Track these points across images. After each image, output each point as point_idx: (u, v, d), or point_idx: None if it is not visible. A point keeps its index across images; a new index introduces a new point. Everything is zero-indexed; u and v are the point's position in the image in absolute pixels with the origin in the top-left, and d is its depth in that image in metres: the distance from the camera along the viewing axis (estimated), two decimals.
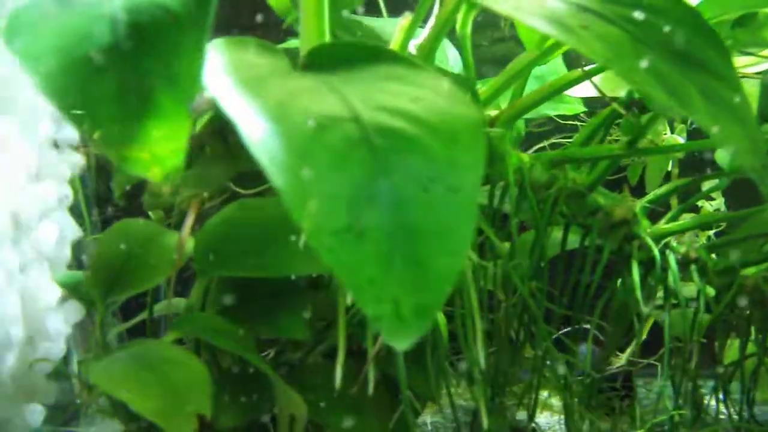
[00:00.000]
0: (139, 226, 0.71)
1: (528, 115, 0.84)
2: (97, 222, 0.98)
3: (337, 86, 0.46)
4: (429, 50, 0.62)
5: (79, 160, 0.89)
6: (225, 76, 0.44)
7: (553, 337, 0.73)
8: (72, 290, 0.74)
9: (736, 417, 0.75)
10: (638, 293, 0.69)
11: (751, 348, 0.79)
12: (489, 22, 1.20)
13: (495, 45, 1.27)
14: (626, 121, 0.82)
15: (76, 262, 0.90)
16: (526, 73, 0.75)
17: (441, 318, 0.70)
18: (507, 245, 0.72)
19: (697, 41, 0.56)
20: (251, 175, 0.78)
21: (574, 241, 0.76)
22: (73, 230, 0.86)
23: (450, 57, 0.91)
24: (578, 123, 1.01)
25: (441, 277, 0.40)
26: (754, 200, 0.87)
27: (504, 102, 0.78)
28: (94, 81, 0.41)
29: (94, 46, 0.42)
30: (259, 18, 0.88)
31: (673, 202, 0.90)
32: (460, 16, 0.65)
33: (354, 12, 0.77)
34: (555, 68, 0.93)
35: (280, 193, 0.39)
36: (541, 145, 0.99)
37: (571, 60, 0.95)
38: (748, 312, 0.76)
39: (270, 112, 0.42)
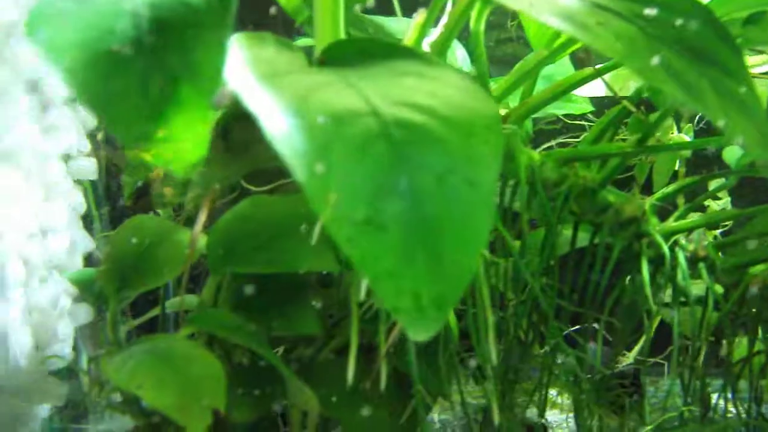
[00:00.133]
0: (152, 222, 0.72)
1: (536, 115, 0.85)
2: (107, 220, 0.98)
3: (354, 81, 0.47)
4: (442, 47, 0.62)
5: (92, 165, 0.90)
6: (245, 71, 0.45)
7: (563, 333, 0.73)
8: (85, 287, 0.74)
9: (744, 415, 0.76)
10: (648, 290, 0.69)
11: (758, 346, 0.79)
12: (495, 23, 1.20)
13: (501, 46, 1.28)
14: (634, 120, 0.82)
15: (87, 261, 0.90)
16: (535, 73, 0.75)
17: (451, 315, 0.70)
18: (517, 243, 0.72)
19: (709, 37, 0.56)
20: (262, 173, 0.78)
21: (583, 239, 0.76)
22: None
23: (458, 57, 0.91)
24: (585, 123, 1.02)
25: (460, 269, 0.41)
26: (760, 200, 0.87)
27: (513, 101, 0.78)
28: (117, 75, 0.42)
29: (117, 41, 0.42)
30: (264, 15, 0.89)
31: (680, 201, 0.91)
32: (474, 13, 0.65)
33: (365, 10, 0.78)
34: (563, 69, 0.93)
35: (301, 185, 0.40)
36: (548, 144, 1.00)
37: (576, 60, 0.96)
38: (755, 310, 0.77)
39: (290, 106, 0.42)
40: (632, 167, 0.97)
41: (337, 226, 0.40)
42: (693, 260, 0.75)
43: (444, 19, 0.63)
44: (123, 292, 0.69)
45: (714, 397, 0.81)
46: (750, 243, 0.76)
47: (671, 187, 0.76)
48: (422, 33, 0.61)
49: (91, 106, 0.42)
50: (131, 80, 0.42)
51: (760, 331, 0.78)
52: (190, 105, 0.41)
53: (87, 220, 0.94)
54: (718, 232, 0.95)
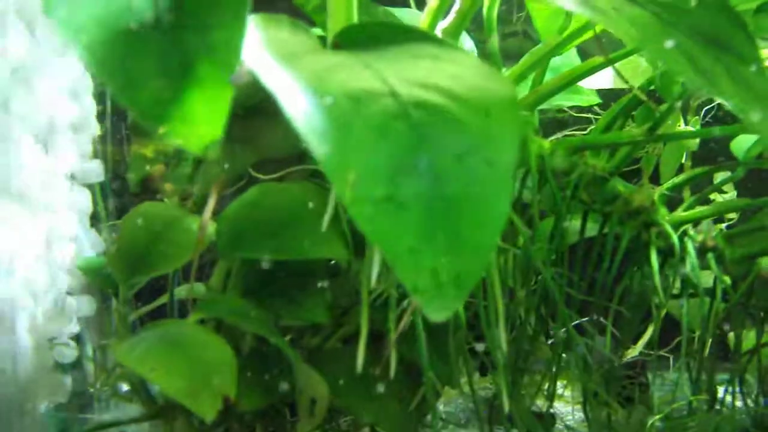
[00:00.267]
0: (162, 209, 0.72)
1: (541, 107, 0.85)
2: (113, 209, 0.98)
3: (371, 63, 0.47)
4: (455, 33, 0.62)
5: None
6: (263, 51, 0.45)
7: (572, 324, 0.73)
8: (94, 273, 0.74)
9: (752, 405, 0.76)
10: (657, 280, 0.70)
11: (766, 338, 0.79)
12: (500, 17, 1.20)
13: (506, 40, 1.28)
14: (642, 111, 0.82)
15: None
16: (545, 63, 0.75)
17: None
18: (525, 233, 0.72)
19: (723, 24, 0.56)
20: (270, 161, 0.78)
21: (592, 228, 0.76)
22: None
23: (466, 47, 0.91)
24: (592, 116, 1.02)
25: (479, 248, 0.41)
26: (766, 192, 0.87)
27: (522, 90, 0.78)
28: (135, 53, 0.42)
29: (135, 19, 0.42)
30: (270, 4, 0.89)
31: (686, 194, 0.91)
32: (486, 0, 0.65)
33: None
34: (570, 60, 0.93)
35: (322, 164, 0.40)
36: (554, 137, 0.99)
37: (584, 54, 0.96)
38: (764, 301, 0.77)
39: (309, 85, 0.42)
40: (639, 160, 0.97)
41: (357, 205, 0.40)
42: (702, 250, 0.76)
43: (457, 5, 0.62)
44: (133, 278, 0.68)
45: (721, 389, 0.81)
46: (758, 235, 0.76)
47: (680, 177, 0.76)
48: (435, 18, 0.61)
49: (110, 84, 0.41)
50: (149, 59, 0.41)
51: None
52: (208, 83, 0.41)
53: (93, 216, 0.94)
54: (723, 225, 0.95)
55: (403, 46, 0.50)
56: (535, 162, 0.67)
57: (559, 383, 0.85)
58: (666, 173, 0.92)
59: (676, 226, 0.74)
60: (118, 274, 0.68)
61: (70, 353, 0.85)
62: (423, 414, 0.74)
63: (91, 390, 0.88)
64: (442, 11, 0.62)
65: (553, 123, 1.01)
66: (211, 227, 0.70)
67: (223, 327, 0.71)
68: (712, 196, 0.97)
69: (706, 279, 0.79)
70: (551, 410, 0.76)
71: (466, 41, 0.92)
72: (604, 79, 0.95)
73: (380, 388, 0.70)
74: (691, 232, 0.75)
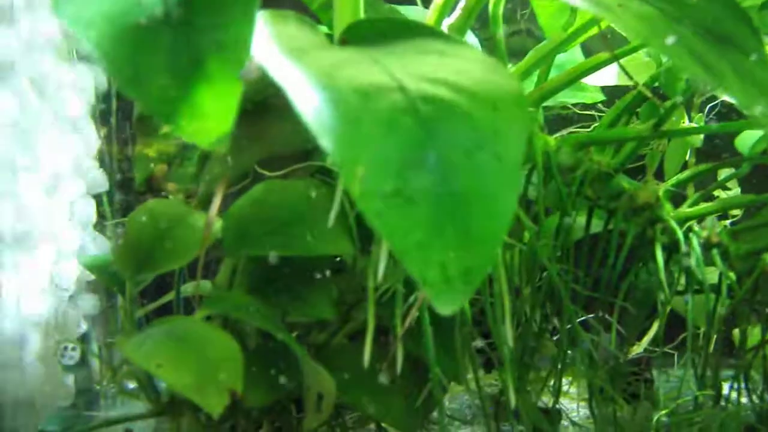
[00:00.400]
0: (168, 206, 0.72)
1: (547, 103, 0.85)
2: (118, 208, 0.98)
3: (379, 58, 0.47)
4: (461, 29, 0.62)
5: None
6: (271, 46, 0.45)
7: (578, 320, 0.73)
8: (100, 271, 0.74)
9: (757, 401, 0.76)
10: (662, 275, 0.70)
11: None
12: (503, 15, 1.21)
13: (509, 38, 1.28)
14: (646, 108, 0.82)
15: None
16: (549, 59, 0.75)
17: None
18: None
19: (727, 20, 0.56)
20: (275, 158, 0.78)
21: (597, 225, 0.76)
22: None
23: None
24: (596, 113, 1.02)
25: (487, 242, 0.41)
26: None
27: (528, 87, 0.78)
28: (145, 48, 0.42)
29: (145, 14, 0.42)
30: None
31: (690, 191, 0.91)
32: None
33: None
34: (574, 58, 0.93)
35: (331, 158, 0.40)
36: (557, 135, 1.00)
37: (588, 52, 0.96)
38: None
39: (318, 80, 0.42)
40: (643, 157, 0.97)
41: (366, 199, 0.40)
42: (706, 246, 0.76)
43: (462, 2, 0.63)
44: (139, 275, 0.69)
45: (726, 385, 0.81)
46: (763, 230, 0.76)
47: (685, 174, 0.76)
48: (441, 15, 0.61)
49: (119, 80, 0.42)
50: (159, 54, 0.42)
51: None
52: (218, 78, 0.41)
53: (99, 215, 0.95)
54: (727, 222, 0.95)
55: (410, 42, 0.50)
56: (540, 158, 0.67)
57: (564, 380, 0.85)
58: (670, 170, 0.92)
59: (681, 222, 0.74)
60: (125, 271, 0.69)
61: (75, 354, 0.86)
62: (429, 410, 0.74)
63: (97, 387, 0.89)
64: (448, 8, 0.62)
65: (557, 120, 1.02)
66: (217, 224, 0.70)
67: (229, 324, 0.71)
68: (716, 193, 0.97)
69: (711, 275, 0.79)
70: (557, 406, 0.76)
71: (471, 39, 0.92)
72: (608, 76, 0.95)
73: (386, 384, 0.70)
74: (696, 228, 0.75)
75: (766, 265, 0.75)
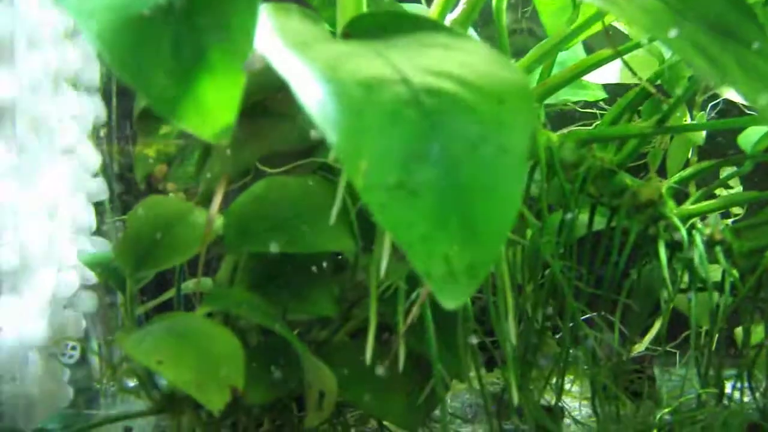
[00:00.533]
0: (169, 202, 0.72)
1: (548, 101, 0.85)
2: (118, 206, 0.98)
3: (382, 51, 0.46)
4: (463, 25, 0.62)
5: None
6: (275, 38, 0.44)
7: (581, 318, 0.73)
8: (100, 268, 0.74)
9: (760, 398, 0.75)
10: (665, 272, 0.69)
11: None
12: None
13: (511, 37, 1.27)
14: (648, 106, 0.82)
15: None
16: (552, 56, 0.75)
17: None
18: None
19: (732, 14, 0.56)
20: (276, 155, 0.78)
21: (599, 222, 0.76)
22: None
23: None
24: (597, 111, 1.02)
25: (492, 236, 0.41)
26: None
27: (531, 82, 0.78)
28: (148, 39, 0.42)
29: (147, 4, 0.42)
30: None
31: (692, 189, 0.91)
32: None
33: None
34: (576, 55, 0.93)
35: (335, 151, 0.39)
36: (559, 132, 0.99)
37: (590, 51, 0.96)
38: None
39: (322, 73, 0.42)
40: (645, 155, 0.97)
41: (370, 192, 0.39)
42: (709, 244, 0.75)
43: None
44: (139, 272, 0.68)
45: (729, 383, 0.81)
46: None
47: (688, 171, 0.76)
48: (445, 9, 0.61)
49: (121, 72, 0.41)
50: (162, 45, 0.41)
51: None
52: (221, 69, 0.41)
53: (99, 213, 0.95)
54: (729, 221, 0.95)
55: (414, 36, 0.50)
56: (543, 154, 0.67)
57: (566, 378, 0.85)
58: (673, 167, 0.92)
59: (684, 219, 0.74)
60: (125, 268, 0.68)
61: (75, 353, 0.85)
62: (431, 408, 0.74)
63: (97, 386, 0.88)
64: (451, 3, 0.62)
65: (558, 118, 1.01)
66: (218, 221, 0.70)
67: (229, 321, 0.71)
68: (717, 191, 0.97)
69: (714, 273, 0.79)
70: (559, 404, 0.75)
71: (471, 33, 0.92)
72: (610, 74, 0.95)
73: (388, 381, 0.70)
74: (699, 225, 0.75)
75: None
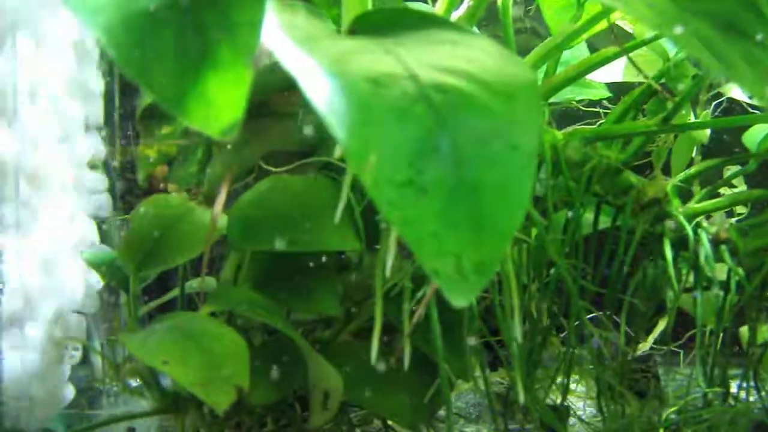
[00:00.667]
0: (172, 201, 0.71)
1: (551, 100, 0.84)
2: (120, 205, 0.97)
3: (390, 48, 0.46)
4: (469, 22, 0.62)
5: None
6: (281, 34, 0.44)
7: (587, 317, 0.72)
8: (103, 267, 0.74)
9: (766, 397, 0.75)
10: (671, 271, 0.69)
11: None
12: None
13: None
14: (653, 105, 0.82)
15: None
16: (557, 54, 0.75)
17: None
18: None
19: (738, 10, 0.56)
20: (280, 153, 0.78)
21: (604, 221, 0.76)
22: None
23: None
24: (601, 110, 1.01)
25: (501, 233, 0.40)
26: None
27: None
28: (153, 34, 0.41)
29: (153, 0, 0.42)
30: None
31: (696, 188, 0.90)
32: None
33: None
34: (580, 54, 0.93)
35: (342, 147, 0.39)
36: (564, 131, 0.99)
37: (593, 51, 0.96)
38: None
39: (330, 68, 0.42)
40: (648, 154, 0.96)
41: (378, 189, 0.39)
42: (715, 243, 0.75)
43: None
44: (144, 270, 0.68)
45: (734, 383, 0.81)
46: None
47: (693, 169, 0.76)
48: (450, 6, 0.60)
49: (127, 67, 0.41)
50: (168, 40, 0.41)
51: None
52: (227, 65, 0.40)
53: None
54: (733, 220, 0.95)
55: (421, 32, 0.49)
56: (548, 152, 0.66)
57: (570, 378, 0.85)
58: (677, 166, 0.92)
59: (689, 218, 0.74)
60: (128, 266, 0.68)
61: (77, 354, 0.85)
62: (435, 407, 0.73)
63: (100, 386, 0.88)
64: (456, 0, 0.61)
65: (561, 117, 1.01)
66: (222, 220, 0.70)
67: (233, 321, 0.70)
68: (720, 190, 0.97)
69: (719, 272, 0.78)
70: (567, 403, 0.75)
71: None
72: (614, 72, 0.94)
73: (392, 381, 0.70)
74: (705, 224, 0.75)
75: None
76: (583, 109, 1.02)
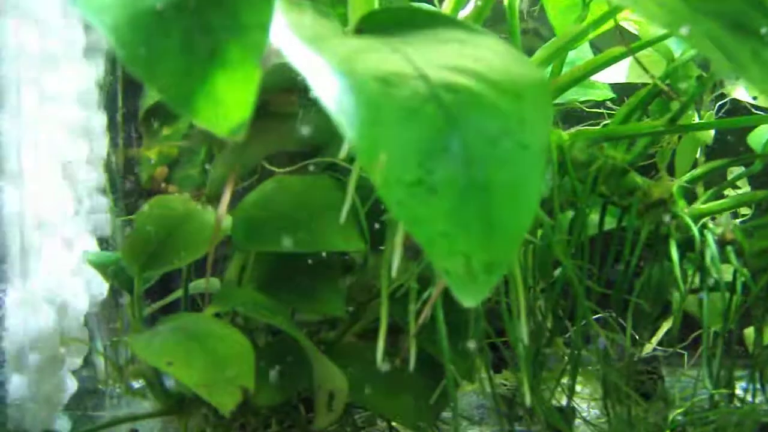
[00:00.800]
0: (177, 202, 0.71)
1: (555, 101, 0.84)
2: (122, 206, 0.97)
3: (398, 47, 0.46)
4: (476, 21, 0.62)
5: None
6: (288, 33, 0.44)
7: (593, 318, 0.72)
8: (107, 268, 0.73)
9: None
10: (677, 271, 0.69)
11: None
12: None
13: None
14: (657, 104, 0.82)
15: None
16: (563, 54, 0.75)
17: None
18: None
19: (746, 9, 0.55)
20: (284, 154, 0.77)
21: (609, 222, 0.75)
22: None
23: None
24: (605, 111, 1.01)
25: (512, 234, 0.40)
26: None
27: None
28: (160, 33, 0.41)
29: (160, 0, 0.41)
30: None
31: (700, 189, 0.90)
32: None
33: None
34: (584, 55, 0.93)
35: (353, 146, 0.39)
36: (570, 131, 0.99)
37: (597, 52, 0.95)
38: None
39: (338, 67, 0.41)
40: (653, 155, 0.96)
41: (388, 188, 0.39)
42: (720, 244, 0.75)
43: None
44: (148, 271, 0.67)
45: (740, 384, 0.80)
46: None
47: (699, 170, 0.75)
48: (457, 6, 0.60)
49: (134, 66, 0.41)
50: (175, 39, 0.41)
51: None
52: (237, 64, 0.40)
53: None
54: (737, 221, 0.94)
55: (429, 31, 0.49)
56: (555, 153, 0.66)
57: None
58: (681, 166, 0.92)
59: (695, 219, 0.74)
60: (132, 267, 0.68)
61: (77, 361, 0.85)
62: (440, 409, 0.73)
63: (102, 388, 0.87)
64: (463, 0, 0.61)
65: (565, 118, 1.01)
66: (227, 220, 0.69)
67: (237, 322, 0.70)
68: (725, 192, 0.96)
69: (724, 273, 0.78)
70: (572, 404, 0.75)
71: None
72: (617, 73, 0.94)
73: (397, 382, 0.69)
74: (710, 224, 0.74)
75: None
76: (587, 109, 1.02)
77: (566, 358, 0.76)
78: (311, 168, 0.75)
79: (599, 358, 0.72)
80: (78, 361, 0.85)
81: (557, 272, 0.71)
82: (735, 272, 0.75)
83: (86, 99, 0.87)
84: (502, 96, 0.42)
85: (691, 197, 0.83)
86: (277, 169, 0.74)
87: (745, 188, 1.00)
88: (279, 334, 0.71)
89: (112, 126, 0.98)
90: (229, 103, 0.40)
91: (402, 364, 0.67)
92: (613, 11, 0.67)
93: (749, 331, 0.84)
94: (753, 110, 0.96)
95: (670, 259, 0.73)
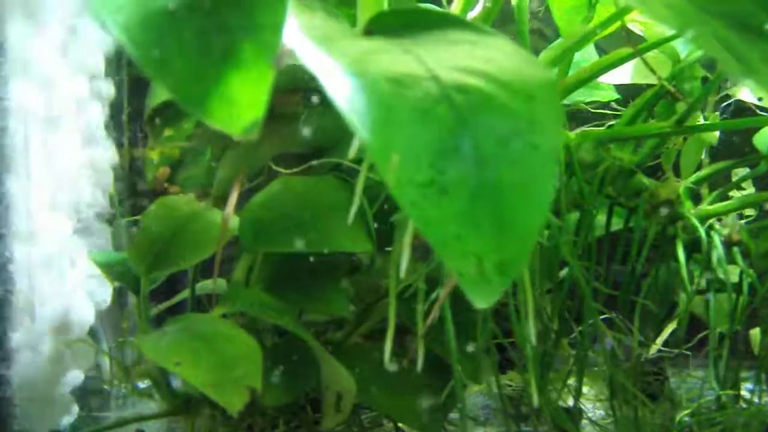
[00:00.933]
0: (184, 202, 0.71)
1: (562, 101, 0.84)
2: (127, 206, 0.97)
3: (409, 48, 0.46)
4: (485, 22, 0.62)
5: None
6: (300, 34, 0.44)
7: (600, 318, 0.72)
8: (110, 269, 0.73)
9: None
10: (684, 272, 0.69)
11: None
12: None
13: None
14: (662, 107, 0.82)
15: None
16: (569, 55, 0.75)
17: None
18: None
19: (758, 11, 0.55)
20: (291, 155, 0.77)
21: (616, 223, 0.75)
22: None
23: None
24: (609, 112, 1.01)
25: (523, 234, 0.40)
26: None
27: None
28: (173, 33, 0.41)
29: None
30: None
31: (704, 191, 0.90)
32: None
33: None
34: (589, 56, 0.93)
35: (366, 147, 0.39)
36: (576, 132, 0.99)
37: (602, 54, 0.95)
38: None
39: (351, 68, 0.41)
40: (658, 156, 0.96)
41: (400, 189, 0.39)
42: (727, 245, 0.75)
43: None
44: (154, 271, 0.68)
45: (746, 386, 0.80)
46: None
47: (705, 171, 0.75)
48: (466, 7, 0.60)
49: (146, 66, 0.41)
50: (188, 39, 0.41)
51: None
52: (250, 64, 0.40)
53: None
54: (742, 222, 0.94)
55: (439, 33, 0.49)
56: (562, 154, 0.66)
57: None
58: (686, 167, 0.92)
59: (701, 220, 0.74)
60: (139, 268, 0.68)
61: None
62: (447, 410, 0.73)
63: (108, 388, 0.87)
64: (472, 1, 0.61)
65: (571, 118, 1.01)
66: (233, 221, 0.70)
67: (245, 321, 0.70)
68: (730, 193, 0.96)
69: (734, 273, 0.78)
70: (579, 405, 0.75)
71: None
72: (623, 74, 0.94)
73: (404, 383, 0.69)
74: (717, 226, 0.74)
75: None
76: (592, 110, 1.02)
77: (572, 358, 0.76)
78: (316, 168, 0.75)
79: (606, 359, 0.72)
80: (84, 363, 0.85)
81: (564, 273, 0.71)
82: (741, 273, 0.75)
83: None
84: (513, 97, 0.42)
85: (695, 199, 0.83)
86: (284, 170, 0.74)
87: (749, 189, 1.00)
88: (286, 335, 0.72)
89: (116, 127, 0.98)
90: (242, 103, 0.40)
91: (409, 364, 0.67)
92: (621, 12, 0.67)
93: (755, 332, 0.84)
94: (758, 111, 0.96)
95: (676, 260, 0.73)
